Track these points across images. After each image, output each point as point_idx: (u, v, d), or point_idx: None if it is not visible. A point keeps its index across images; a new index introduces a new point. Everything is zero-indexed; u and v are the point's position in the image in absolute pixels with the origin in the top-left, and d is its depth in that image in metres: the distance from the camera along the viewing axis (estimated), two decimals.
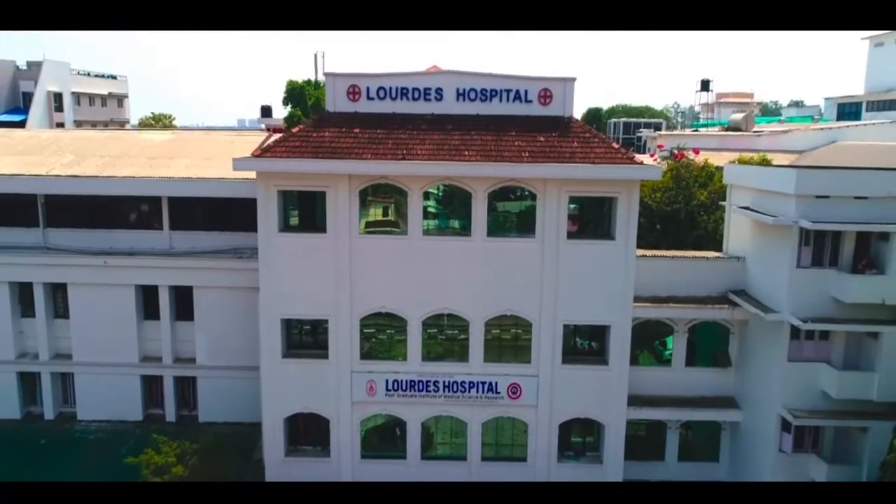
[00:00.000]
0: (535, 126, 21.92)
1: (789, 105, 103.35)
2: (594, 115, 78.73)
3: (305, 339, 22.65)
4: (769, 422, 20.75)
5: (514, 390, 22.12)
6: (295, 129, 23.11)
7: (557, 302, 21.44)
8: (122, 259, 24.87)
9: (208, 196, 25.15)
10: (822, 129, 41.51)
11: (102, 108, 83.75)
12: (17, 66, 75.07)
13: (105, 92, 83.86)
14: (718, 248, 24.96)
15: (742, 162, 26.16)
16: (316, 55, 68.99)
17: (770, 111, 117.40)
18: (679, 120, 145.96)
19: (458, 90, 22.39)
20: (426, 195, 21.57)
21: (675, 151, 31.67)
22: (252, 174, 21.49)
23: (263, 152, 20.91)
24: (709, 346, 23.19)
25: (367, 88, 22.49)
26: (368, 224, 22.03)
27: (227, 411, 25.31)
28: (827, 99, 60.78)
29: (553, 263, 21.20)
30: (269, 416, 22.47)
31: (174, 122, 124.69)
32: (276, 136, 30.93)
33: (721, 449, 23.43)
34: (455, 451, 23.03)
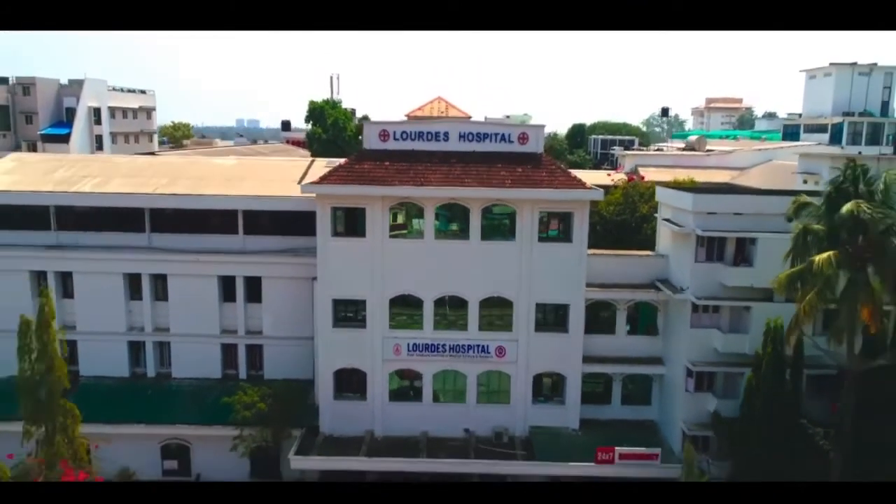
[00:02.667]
0: (515, 160, 30.37)
1: (763, 116, 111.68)
2: (578, 131, 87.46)
3: (349, 314, 31.05)
4: (680, 372, 29.30)
5: (501, 351, 30.61)
6: (343, 162, 31.49)
7: (531, 287, 29.93)
8: (208, 256, 33.20)
9: (272, 209, 33.58)
10: (759, 150, 50.07)
11: (134, 121, 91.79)
12: (61, 84, 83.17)
13: (136, 106, 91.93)
14: (654, 248, 33.49)
15: (676, 184, 34.56)
16: (332, 77, 77.27)
17: (746, 121, 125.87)
18: (665, 128, 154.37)
19: (459, 133, 30.88)
20: (437, 210, 30.05)
21: (628, 174, 40.15)
22: (301, 191, 30.00)
23: (322, 180, 29.38)
24: (643, 320, 31.70)
25: (394, 132, 30.99)
26: (392, 228, 30.44)
27: (285, 370, 33.49)
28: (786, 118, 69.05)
29: (528, 259, 29.70)
30: (322, 370, 30.95)
31: (190, 129, 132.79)
32: (318, 160, 39.52)
33: (652, 395, 31.92)
34: (457, 397, 31.47)
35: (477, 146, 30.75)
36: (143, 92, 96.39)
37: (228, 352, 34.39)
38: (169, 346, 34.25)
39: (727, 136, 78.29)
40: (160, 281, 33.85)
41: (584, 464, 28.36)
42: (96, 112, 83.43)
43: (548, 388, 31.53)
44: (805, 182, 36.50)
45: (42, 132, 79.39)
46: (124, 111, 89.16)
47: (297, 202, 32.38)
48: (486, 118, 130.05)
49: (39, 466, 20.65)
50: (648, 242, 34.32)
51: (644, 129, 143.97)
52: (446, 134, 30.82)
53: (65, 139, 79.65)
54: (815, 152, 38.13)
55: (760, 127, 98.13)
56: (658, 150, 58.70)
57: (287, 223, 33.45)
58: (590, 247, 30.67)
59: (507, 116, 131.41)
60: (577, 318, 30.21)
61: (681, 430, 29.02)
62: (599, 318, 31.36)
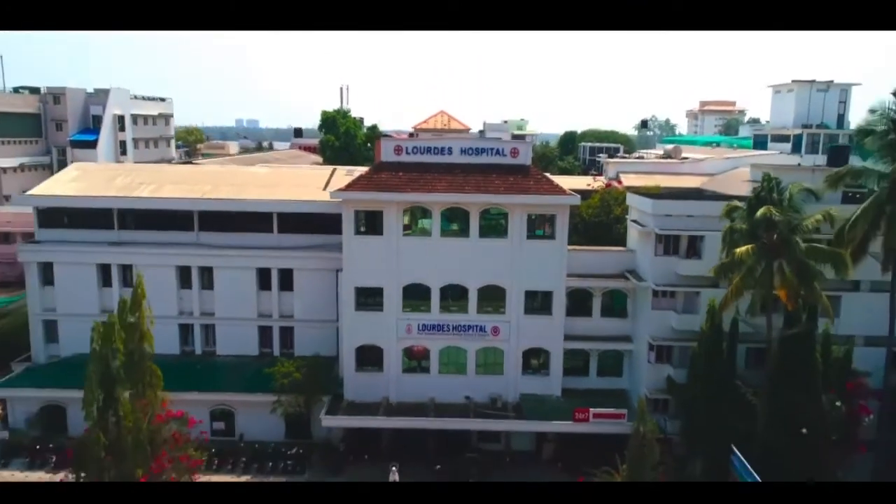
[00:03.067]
0: (507, 171, 36.35)
1: (747, 122, 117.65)
2: (570, 138, 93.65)
3: (369, 299, 36.98)
4: (644, 347, 35.34)
5: (495, 330, 36.60)
6: (364, 172, 37.44)
7: (521, 277, 35.91)
8: (247, 251, 39.20)
9: (301, 211, 39.54)
10: (728, 158, 56.15)
11: (154, 127, 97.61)
12: (87, 93, 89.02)
13: (156, 113, 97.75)
14: (625, 245, 39.50)
15: (643, 190, 40.52)
16: (341, 88, 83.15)
17: (732, 127, 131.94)
18: (656, 132, 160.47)
19: (461, 148, 36.90)
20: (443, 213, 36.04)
21: (607, 181, 46.27)
22: (327, 196, 35.99)
23: (348, 188, 35.38)
24: (615, 304, 37.71)
25: (406, 147, 37.02)
26: (405, 227, 36.41)
27: (312, 348, 39.31)
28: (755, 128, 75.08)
29: (518, 254, 35.70)
30: (346, 346, 36.94)
31: (202, 133, 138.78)
32: (339, 169, 45.44)
33: (623, 367, 37.92)
34: (459, 369, 37.43)
35: (475, 159, 36.76)
36: (161, 100, 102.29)
37: (264, 333, 40.36)
38: (214, 327, 40.23)
39: (710, 143, 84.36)
40: (207, 272, 39.79)
41: (565, 422, 34.39)
42: (120, 119, 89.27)
43: (535, 361, 37.52)
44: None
45: (71, 138, 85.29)
46: (145, 118, 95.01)
47: (322, 205, 38.33)
48: (484, 123, 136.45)
49: (144, 408, 26.28)
50: (620, 240, 40.35)
51: (637, 132, 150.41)
52: (450, 149, 36.84)
53: (92, 145, 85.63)
54: (763, 163, 43.99)
55: (744, 132, 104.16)
56: (639, 157, 64.80)
57: (314, 223, 39.40)
58: (570, 243, 36.71)
59: (505, 121, 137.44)
60: (559, 303, 36.23)
61: (644, 395, 35.03)
62: (578, 303, 37.36)
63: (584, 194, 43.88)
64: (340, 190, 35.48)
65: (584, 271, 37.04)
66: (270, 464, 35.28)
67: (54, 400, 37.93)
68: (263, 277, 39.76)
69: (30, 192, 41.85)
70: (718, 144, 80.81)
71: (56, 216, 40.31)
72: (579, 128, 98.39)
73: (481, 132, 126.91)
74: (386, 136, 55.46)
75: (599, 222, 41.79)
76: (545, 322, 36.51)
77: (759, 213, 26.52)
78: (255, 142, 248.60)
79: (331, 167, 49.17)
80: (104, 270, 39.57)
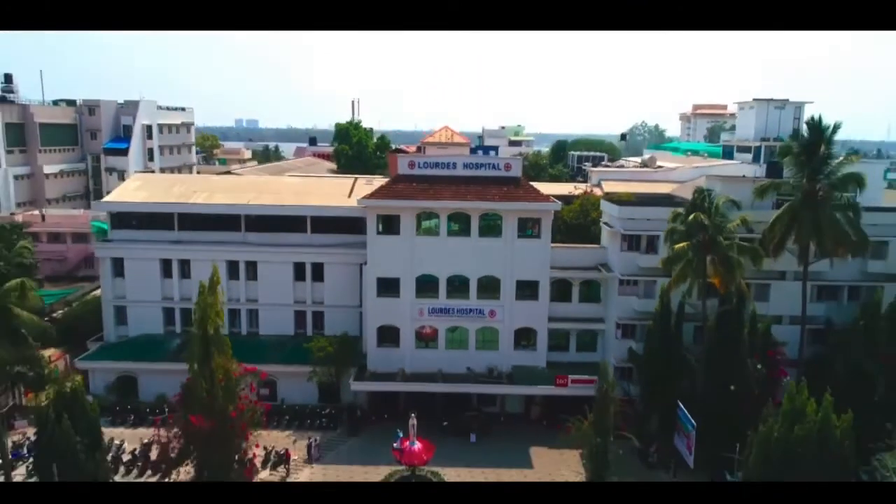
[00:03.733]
0: (501, 182, 44.29)
1: (729, 129, 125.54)
2: (561, 147, 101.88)
3: (387, 288, 44.88)
4: (613, 326, 43.37)
5: (492, 313, 44.55)
6: (384, 183, 45.41)
7: (513, 269, 43.87)
8: (285, 248, 47.17)
9: (330, 215, 47.47)
10: (696, 166, 64.13)
11: (177, 135, 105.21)
12: (119, 104, 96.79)
13: (178, 122, 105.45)
14: (599, 243, 47.48)
15: (615, 197, 48.39)
16: (353, 102, 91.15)
17: (716, 132, 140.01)
18: (646, 136, 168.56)
19: (463, 164, 44.88)
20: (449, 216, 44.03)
21: (587, 188, 54.39)
22: (352, 202, 43.92)
23: (371, 196, 43.32)
24: (590, 292, 45.70)
25: (419, 162, 45.01)
26: (418, 228, 44.34)
27: (340, 328, 47.13)
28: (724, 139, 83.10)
29: (510, 250, 43.65)
30: (369, 326, 44.91)
31: (217, 138, 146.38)
32: (359, 179, 53.42)
33: (597, 343, 45.87)
34: (462, 345, 45.35)
35: (475, 172, 44.74)
36: (182, 109, 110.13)
37: (299, 316, 48.33)
38: (257, 312, 48.20)
39: (688, 151, 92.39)
40: (251, 266, 47.74)
41: (548, 387, 42.37)
42: (148, 129, 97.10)
43: (524, 339, 45.48)
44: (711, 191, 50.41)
45: (105, 146, 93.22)
46: (169, 127, 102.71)
47: (348, 210, 46.36)
48: (483, 129, 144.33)
49: (227, 364, 33.82)
50: (595, 238, 48.34)
51: (628, 137, 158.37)
52: (454, 164, 44.84)
53: (124, 152, 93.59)
54: (718, 174, 51.91)
55: (725, 138, 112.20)
56: (620, 166, 72.79)
57: (341, 224, 47.38)
58: (553, 241, 44.69)
59: (503, 127, 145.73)
60: (544, 291, 44.20)
61: (612, 364, 42.98)
62: (560, 290, 45.32)
63: (568, 199, 52.04)
64: (366, 197, 43.45)
65: (565, 264, 45.01)
66: (308, 421, 43.30)
67: (127, 371, 45.89)
68: (299, 270, 47.71)
69: (104, 200, 50.05)
70: (696, 152, 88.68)
71: (125, 219, 48.29)
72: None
73: (480, 137, 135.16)
74: (399, 150, 63.27)
75: (579, 224, 49.79)
76: (533, 306, 44.47)
77: (690, 218, 34.58)
78: (261, 144, 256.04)
79: (352, 177, 57.13)
80: (166, 265, 47.58)
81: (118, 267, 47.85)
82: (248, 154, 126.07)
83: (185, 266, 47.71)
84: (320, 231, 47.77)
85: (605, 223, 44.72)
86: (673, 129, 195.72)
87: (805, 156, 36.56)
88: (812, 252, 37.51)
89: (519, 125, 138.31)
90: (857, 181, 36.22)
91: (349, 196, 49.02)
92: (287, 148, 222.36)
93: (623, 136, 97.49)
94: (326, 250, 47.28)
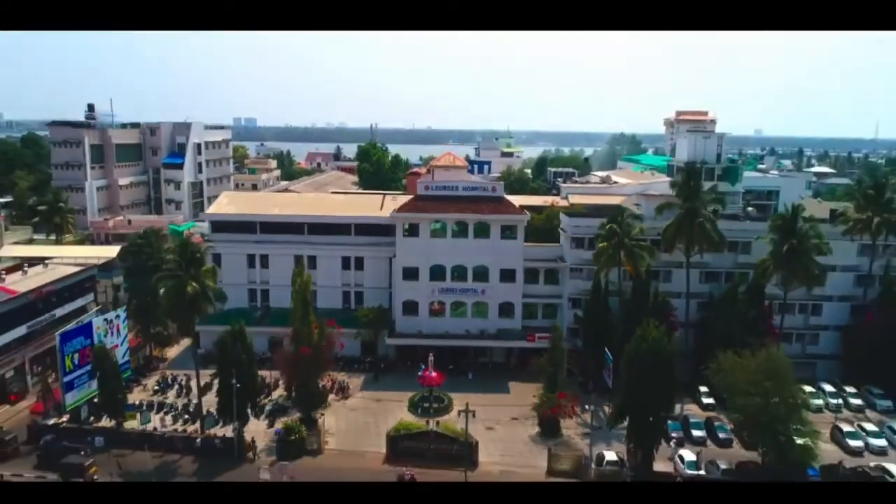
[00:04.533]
0: (489, 200, 63.67)
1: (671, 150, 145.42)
2: (542, 162, 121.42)
3: (410, 274, 64.11)
4: (566, 300, 62.86)
5: (483, 291, 63.94)
6: (408, 200, 64.78)
7: (497, 260, 63.22)
8: (336, 246, 66.47)
9: (368, 223, 66.76)
10: (640, 183, 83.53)
11: (218, 150, 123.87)
12: (174, 124, 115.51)
13: (220, 139, 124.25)
14: (559, 242, 66.81)
15: (573, 209, 67.60)
16: (371, 125, 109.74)
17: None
18: (621, 148, 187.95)
19: (463, 187, 64.30)
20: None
21: (553, 200, 73.93)
22: (384, 213, 63.32)
23: (400, 209, 62.65)
24: (552, 276, 65.09)
25: (431, 185, 64.45)
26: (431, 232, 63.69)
27: (375, 303, 66.44)
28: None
29: (496, 247, 63.03)
30: (396, 301, 64.32)
31: (246, 149, 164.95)
32: (387, 196, 72.86)
33: (556, 313, 65.17)
34: (462, 314, 64.67)
35: (471, 193, 64.04)
36: (222, 128, 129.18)
37: (345, 295, 67.66)
38: (316, 291, 67.08)
39: (648, 167, 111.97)
40: (311, 259, 66.80)
41: (522, 342, 61.75)
42: (197, 146, 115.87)
43: (505, 310, 64.76)
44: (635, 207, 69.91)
45: (164, 161, 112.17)
46: (214, 143, 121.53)
47: (380, 219, 65.66)
48: (479, 141, 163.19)
49: (323, 329, 52.53)
50: (556, 239, 67.68)
51: (608, 146, 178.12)
52: (456, 186, 64.22)
53: (179, 167, 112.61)
54: (646, 192, 71.34)
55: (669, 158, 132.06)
56: (585, 181, 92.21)
57: (375, 229, 66.64)
58: (527, 241, 63.96)
59: (496, 139, 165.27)
60: (519, 276, 63.49)
61: (567, 327, 62.30)
62: (531, 276, 64.60)
63: (539, 209, 71.38)
64: (396, 211, 62.75)
65: (535, 258, 64.28)
66: (356, 366, 62.62)
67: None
68: (345, 262, 67.00)
69: (207, 212, 69.23)
70: (653, 167, 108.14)
71: (221, 225, 67.50)
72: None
73: (476, 148, 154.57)
74: (415, 173, 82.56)
75: (545, 228, 69.12)
76: (511, 287, 63.73)
77: (607, 226, 54.01)
78: (272, 148, 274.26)
79: (380, 193, 76.47)
80: (250, 258, 66.84)
81: (216, 259, 67.03)
82: (273, 164, 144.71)
83: (264, 259, 66.96)
84: (361, 234, 67.05)
85: (562, 229, 64.14)
86: (643, 142, 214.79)
87: (686, 186, 56.00)
88: (694, 249, 57.00)
89: (510, 137, 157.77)
90: (720, 202, 55.73)
91: (381, 209, 68.34)
92: (293, 148, 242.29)
93: (586, 160, 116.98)
94: (365, 248, 66.59)
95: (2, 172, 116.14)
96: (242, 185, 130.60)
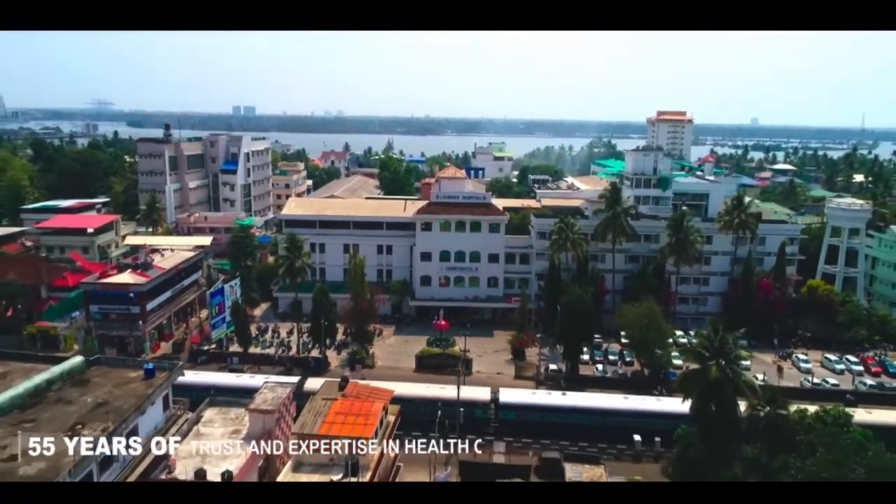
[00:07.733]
0: (481, 205, 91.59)
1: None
2: (525, 169, 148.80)
3: (425, 258, 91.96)
4: (535, 275, 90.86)
5: (476, 269, 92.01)
6: (423, 205, 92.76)
7: (486, 247, 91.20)
8: (374, 238, 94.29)
9: (394, 221, 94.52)
10: (595, 189, 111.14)
11: (261, 157, 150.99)
12: (228, 138, 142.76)
13: (262, 148, 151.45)
14: (530, 234, 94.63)
15: (540, 211, 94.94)
16: (389, 140, 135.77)
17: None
18: (600, 150, 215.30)
19: (463, 195, 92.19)
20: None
21: (527, 203, 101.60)
22: (407, 214, 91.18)
23: (418, 212, 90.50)
24: (525, 258, 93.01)
25: (440, 195, 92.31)
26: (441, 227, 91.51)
27: (401, 278, 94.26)
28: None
29: (485, 238, 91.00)
30: (416, 277, 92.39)
31: (278, 153, 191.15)
32: (409, 200, 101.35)
33: (528, 284, 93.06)
34: (461, 285, 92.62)
35: (469, 200, 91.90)
36: (263, 138, 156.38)
37: (379, 272, 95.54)
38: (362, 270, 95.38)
39: (613, 173, 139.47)
40: (356, 247, 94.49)
41: (503, 304, 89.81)
42: (246, 155, 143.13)
43: (492, 281, 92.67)
44: (586, 209, 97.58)
45: (221, 168, 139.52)
46: (258, 152, 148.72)
47: (404, 218, 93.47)
48: (475, 145, 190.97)
49: (372, 293, 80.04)
50: (528, 232, 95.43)
51: (587, 150, 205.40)
52: (458, 195, 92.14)
53: (233, 172, 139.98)
54: (592, 198, 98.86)
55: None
56: (556, 186, 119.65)
57: (401, 226, 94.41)
58: (508, 234, 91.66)
59: (490, 144, 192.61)
60: (502, 259, 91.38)
61: (534, 293, 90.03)
62: (510, 258, 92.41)
63: (517, 210, 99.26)
64: (416, 212, 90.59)
65: (512, 246, 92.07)
66: (388, 319, 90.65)
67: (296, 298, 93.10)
68: (380, 249, 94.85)
69: (282, 213, 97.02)
70: (615, 174, 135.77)
71: (290, 223, 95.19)
72: (528, 164, 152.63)
73: (473, 154, 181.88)
74: (427, 183, 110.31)
75: (520, 224, 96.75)
76: (496, 266, 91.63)
77: (557, 227, 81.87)
78: (286, 145, 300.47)
79: (403, 199, 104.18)
80: (311, 246, 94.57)
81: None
82: (301, 165, 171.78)
83: (321, 247, 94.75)
84: (390, 229, 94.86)
85: (531, 226, 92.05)
86: (619, 145, 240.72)
87: (611, 196, 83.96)
88: (618, 240, 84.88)
89: (503, 142, 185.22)
90: (634, 209, 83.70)
91: (403, 210, 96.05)
92: (296, 138, 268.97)
93: (555, 172, 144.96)
94: (393, 238, 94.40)
95: (97, 178, 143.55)
96: (276, 185, 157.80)
